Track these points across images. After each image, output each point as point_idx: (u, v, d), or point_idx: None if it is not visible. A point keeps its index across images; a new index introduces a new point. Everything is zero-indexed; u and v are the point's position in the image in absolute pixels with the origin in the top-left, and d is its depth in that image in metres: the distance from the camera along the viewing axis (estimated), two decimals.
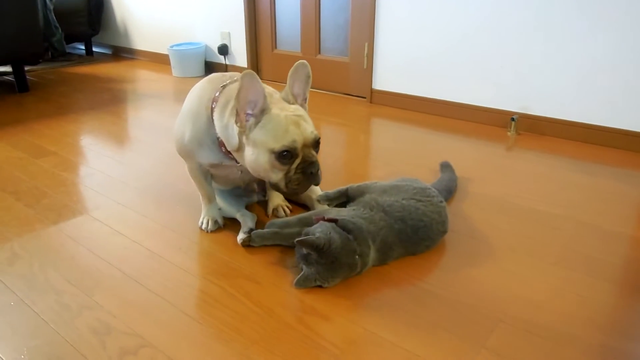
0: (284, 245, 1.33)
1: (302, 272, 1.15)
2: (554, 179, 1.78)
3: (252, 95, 1.12)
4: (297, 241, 1.14)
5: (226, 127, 1.20)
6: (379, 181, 1.45)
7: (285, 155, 1.14)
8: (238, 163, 1.28)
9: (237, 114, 1.14)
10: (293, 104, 1.23)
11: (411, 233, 1.25)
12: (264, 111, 1.15)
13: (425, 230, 1.27)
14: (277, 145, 1.13)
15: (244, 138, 1.17)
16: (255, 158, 1.16)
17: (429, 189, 1.37)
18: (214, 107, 1.23)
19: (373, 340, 1.00)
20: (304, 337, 1.01)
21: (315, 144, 1.19)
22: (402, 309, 1.09)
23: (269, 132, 1.14)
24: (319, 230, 1.16)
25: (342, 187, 1.43)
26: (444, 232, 1.33)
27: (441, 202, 1.35)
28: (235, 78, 1.28)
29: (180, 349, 0.98)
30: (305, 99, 1.28)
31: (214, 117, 1.23)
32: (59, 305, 1.11)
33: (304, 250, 1.15)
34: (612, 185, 1.72)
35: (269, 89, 1.25)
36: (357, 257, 1.15)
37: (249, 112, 1.15)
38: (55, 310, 1.09)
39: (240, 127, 1.16)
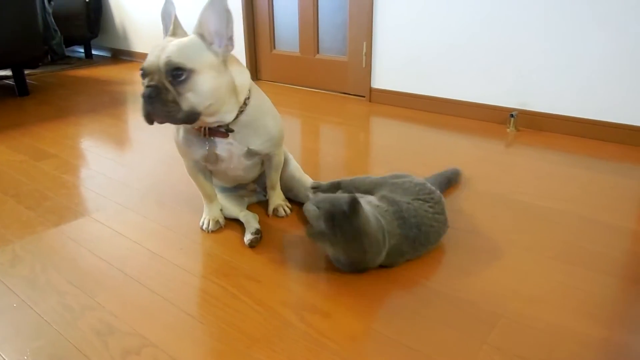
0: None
1: (315, 227, 1.11)
2: (554, 174, 1.79)
3: (165, 19, 1.20)
4: (317, 200, 1.09)
5: None
6: (371, 176, 1.45)
7: (141, 75, 1.14)
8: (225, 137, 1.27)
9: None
10: (179, 34, 1.19)
11: (424, 240, 1.25)
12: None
13: (435, 235, 1.28)
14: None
15: None
16: None
17: (426, 184, 1.36)
18: None
19: (374, 337, 1.00)
20: (305, 334, 1.01)
21: (167, 70, 1.09)
22: (402, 306, 1.10)
23: None
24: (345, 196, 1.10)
25: (336, 180, 1.44)
26: (446, 229, 1.34)
27: (441, 198, 1.34)
28: None
29: (183, 349, 0.98)
30: (230, 38, 1.16)
31: None
32: (61, 306, 1.12)
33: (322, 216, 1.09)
34: (611, 180, 1.73)
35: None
36: (384, 237, 1.14)
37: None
38: (57, 312, 1.10)
39: None
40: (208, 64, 1.14)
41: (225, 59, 1.18)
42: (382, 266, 1.22)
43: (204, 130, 1.26)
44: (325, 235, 1.10)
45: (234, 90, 1.21)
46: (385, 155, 2.01)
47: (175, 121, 1.13)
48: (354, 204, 1.08)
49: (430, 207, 1.28)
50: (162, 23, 1.22)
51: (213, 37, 1.16)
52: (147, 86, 1.10)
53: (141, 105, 1.12)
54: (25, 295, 1.16)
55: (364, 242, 1.11)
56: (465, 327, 1.03)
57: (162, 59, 1.10)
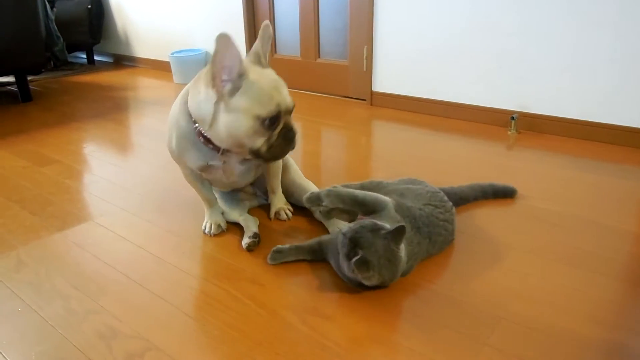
0: (305, 260, 1.29)
1: (359, 256, 1.05)
2: (555, 176, 1.79)
3: (228, 59, 1.10)
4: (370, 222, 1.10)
5: (199, 103, 1.18)
6: (383, 180, 1.46)
7: (271, 121, 1.15)
8: (222, 159, 1.29)
9: (213, 79, 1.12)
10: (266, 68, 1.22)
11: (434, 249, 1.27)
12: (242, 76, 1.12)
13: (442, 242, 1.29)
14: (264, 112, 1.13)
15: (221, 106, 1.14)
16: (237, 125, 1.14)
17: (439, 192, 1.37)
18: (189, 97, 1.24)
19: (376, 340, 1.01)
20: (307, 337, 1.02)
21: (292, 109, 1.22)
22: (404, 308, 1.10)
23: (254, 98, 1.12)
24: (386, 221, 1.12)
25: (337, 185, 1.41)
26: (452, 240, 1.35)
27: (452, 207, 1.35)
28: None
29: (186, 351, 0.99)
30: (267, 60, 1.26)
31: (189, 104, 1.22)
32: (65, 310, 1.12)
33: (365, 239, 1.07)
34: (612, 182, 1.73)
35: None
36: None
37: (225, 77, 1.12)
38: (62, 316, 1.11)
39: (217, 92, 1.13)
40: None
41: None
42: None
43: (222, 149, 1.26)
44: (367, 260, 1.06)
45: None
46: (387, 159, 2.02)
47: None
48: (401, 230, 1.07)
49: (440, 213, 1.29)
50: (216, 65, 1.12)
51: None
52: (292, 127, 1.21)
53: (283, 146, 1.20)
54: (30, 299, 1.17)
55: (397, 266, 1.11)
56: (466, 328, 1.03)
57: (292, 103, 1.21)
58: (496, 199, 1.62)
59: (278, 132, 1.18)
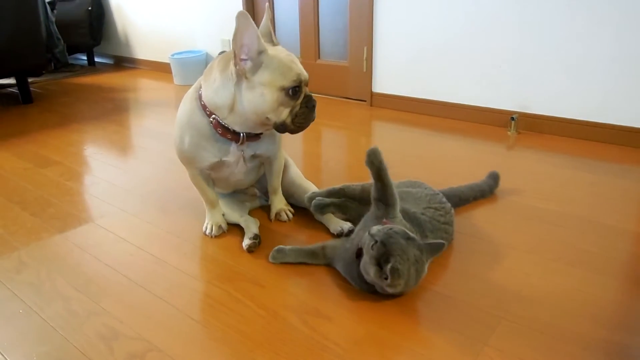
0: (305, 262, 1.29)
1: (393, 263, 1.01)
2: (555, 176, 1.79)
3: (247, 37, 1.13)
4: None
5: (216, 90, 1.22)
6: None
7: (294, 91, 1.19)
8: (239, 149, 1.30)
9: (234, 58, 1.15)
10: (276, 45, 1.26)
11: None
12: (261, 53, 1.16)
13: (444, 245, 1.28)
14: (287, 82, 1.18)
15: (243, 86, 1.18)
16: (263, 100, 1.18)
17: (438, 194, 1.38)
18: (201, 92, 1.26)
19: (377, 340, 1.01)
20: (308, 338, 1.02)
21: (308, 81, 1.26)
22: (404, 308, 1.10)
23: (276, 71, 1.17)
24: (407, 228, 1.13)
25: (334, 186, 1.40)
26: (452, 240, 1.35)
27: (451, 208, 1.36)
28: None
29: (187, 353, 0.99)
30: None
31: (202, 97, 1.26)
32: (66, 311, 1.13)
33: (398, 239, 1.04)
34: (612, 182, 1.73)
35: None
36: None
37: (244, 56, 1.16)
38: (63, 317, 1.11)
39: (239, 71, 1.17)
40: None
41: None
42: None
43: (242, 138, 1.29)
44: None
45: None
46: (387, 160, 2.02)
47: None
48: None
49: (440, 216, 1.29)
50: (237, 43, 1.15)
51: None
52: (311, 96, 1.24)
53: (307, 114, 1.23)
54: (31, 301, 1.17)
55: (419, 279, 1.10)
56: (467, 329, 1.03)
57: (307, 73, 1.24)
58: (493, 195, 1.62)
59: (300, 102, 1.22)
